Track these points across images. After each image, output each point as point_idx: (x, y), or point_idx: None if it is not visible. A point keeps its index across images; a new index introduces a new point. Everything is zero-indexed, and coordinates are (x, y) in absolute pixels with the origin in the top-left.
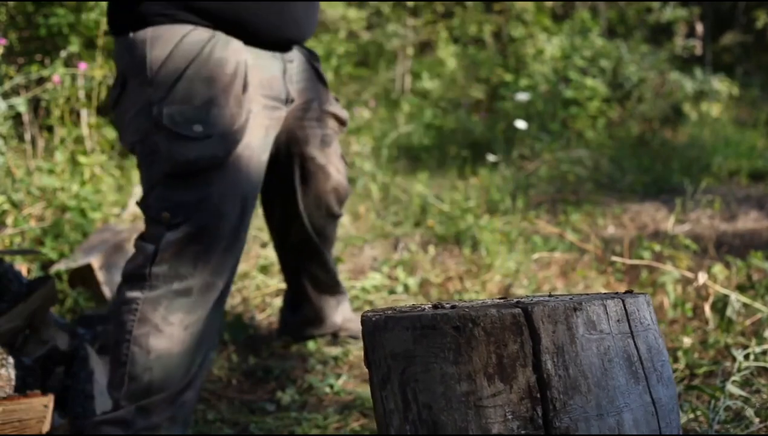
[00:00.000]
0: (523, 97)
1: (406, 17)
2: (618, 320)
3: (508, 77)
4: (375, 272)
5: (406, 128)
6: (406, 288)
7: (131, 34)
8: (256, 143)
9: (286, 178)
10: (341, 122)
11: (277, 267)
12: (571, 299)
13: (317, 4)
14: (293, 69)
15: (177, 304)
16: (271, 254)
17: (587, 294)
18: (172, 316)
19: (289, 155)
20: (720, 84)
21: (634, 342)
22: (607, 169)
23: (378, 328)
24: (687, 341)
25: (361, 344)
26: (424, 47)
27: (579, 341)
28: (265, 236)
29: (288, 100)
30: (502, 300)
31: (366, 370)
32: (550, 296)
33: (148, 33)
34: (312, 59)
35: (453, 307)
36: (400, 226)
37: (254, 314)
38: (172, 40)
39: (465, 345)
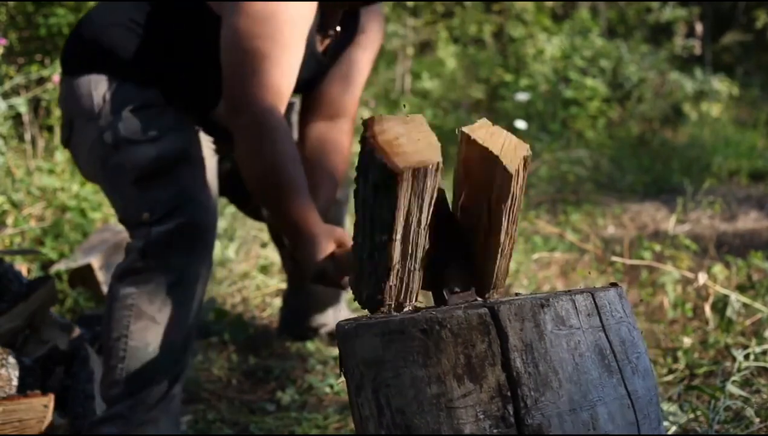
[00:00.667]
0: (523, 97)
1: (406, 17)
2: (588, 315)
3: (508, 77)
4: None
5: None
6: None
7: (76, 78)
8: (208, 151)
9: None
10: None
11: (276, 267)
12: (539, 296)
13: None
14: None
15: (171, 296)
16: (271, 254)
17: (558, 291)
18: (167, 308)
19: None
20: (720, 84)
21: (606, 335)
22: (607, 169)
23: (349, 336)
24: (687, 341)
25: None
26: (424, 47)
27: (548, 338)
28: (265, 236)
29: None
30: (469, 302)
31: None
32: (517, 295)
33: (92, 77)
34: None
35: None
36: None
37: (254, 314)
38: (116, 82)
39: (433, 347)
